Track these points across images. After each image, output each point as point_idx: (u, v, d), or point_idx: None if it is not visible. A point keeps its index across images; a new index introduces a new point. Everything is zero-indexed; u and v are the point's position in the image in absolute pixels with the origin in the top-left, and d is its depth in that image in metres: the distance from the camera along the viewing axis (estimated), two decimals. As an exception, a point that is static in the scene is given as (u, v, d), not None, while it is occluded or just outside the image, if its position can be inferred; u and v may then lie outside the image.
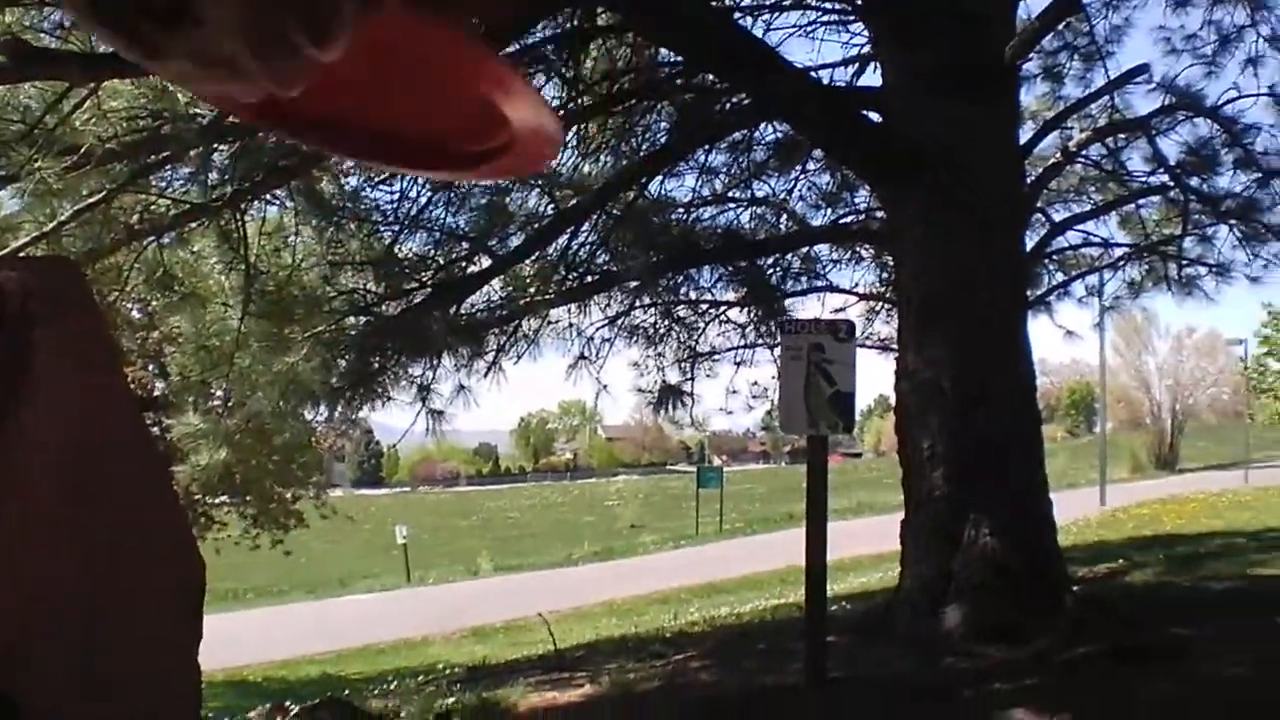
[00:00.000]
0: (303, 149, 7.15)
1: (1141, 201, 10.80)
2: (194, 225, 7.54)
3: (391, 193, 8.47)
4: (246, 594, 27.84)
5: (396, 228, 8.55)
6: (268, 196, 8.09)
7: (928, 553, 6.85)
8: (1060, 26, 9.99)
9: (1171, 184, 9.88)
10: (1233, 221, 10.24)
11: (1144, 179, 10.45)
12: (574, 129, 8.86)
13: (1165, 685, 5.13)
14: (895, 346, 7.83)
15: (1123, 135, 10.16)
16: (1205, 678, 5.24)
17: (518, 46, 7.60)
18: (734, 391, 11.86)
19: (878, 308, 11.89)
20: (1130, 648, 5.84)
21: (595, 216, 8.93)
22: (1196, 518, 18.32)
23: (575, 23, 7.94)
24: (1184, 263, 11.02)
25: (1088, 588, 9.05)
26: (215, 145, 7.10)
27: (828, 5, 9.86)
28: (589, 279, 9.54)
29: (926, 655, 6.23)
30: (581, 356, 10.25)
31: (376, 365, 8.47)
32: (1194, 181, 9.94)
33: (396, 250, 8.60)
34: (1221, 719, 4.57)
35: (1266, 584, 8.45)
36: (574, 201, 8.56)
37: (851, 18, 9.71)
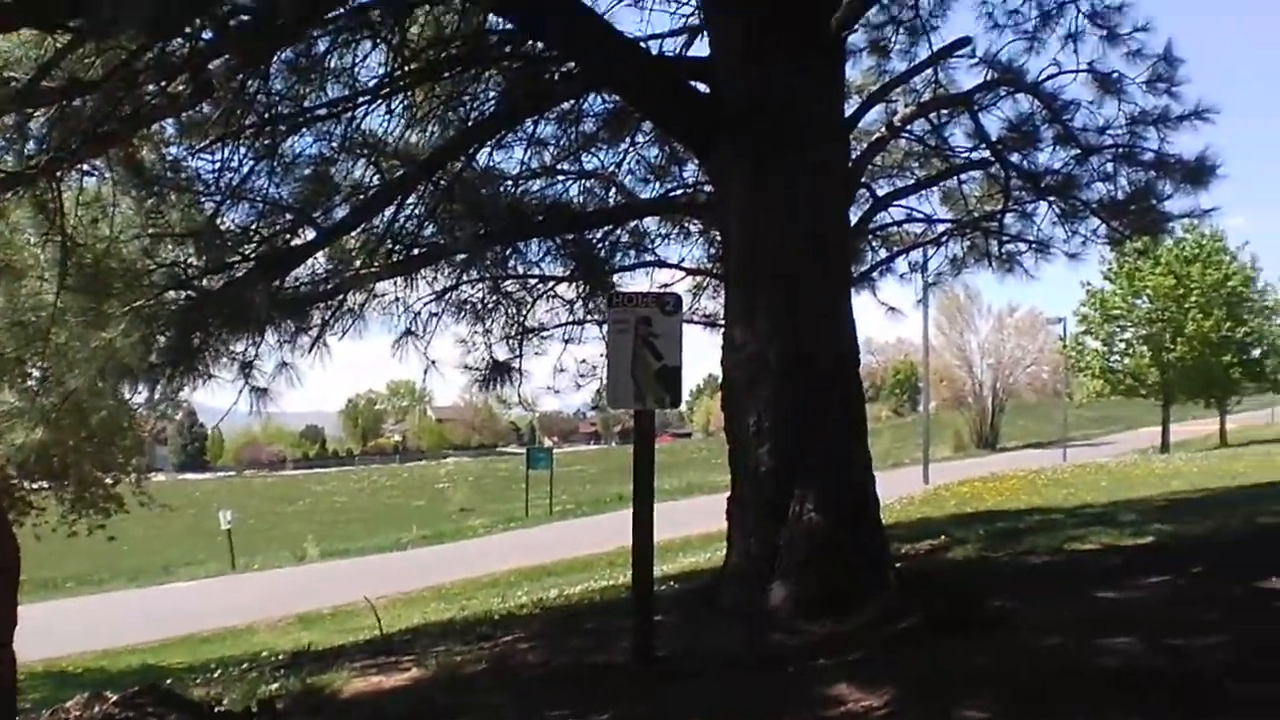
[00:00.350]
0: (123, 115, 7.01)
1: (964, 177, 11.30)
2: (8, 195, 7.30)
3: (214, 162, 8.34)
4: (66, 583, 27.54)
5: (218, 199, 8.40)
6: (85, 165, 7.86)
7: (754, 528, 7.10)
8: (885, 1, 10.43)
9: (993, 160, 10.35)
10: (1052, 198, 10.79)
11: (966, 154, 10.95)
12: (401, 97, 8.84)
13: (984, 656, 5.47)
14: (722, 322, 8.06)
15: (946, 110, 10.62)
16: (1021, 647, 5.61)
17: (342, 11, 7.55)
18: (562, 370, 12.00)
19: (705, 283, 12.18)
20: (951, 620, 6.21)
21: (422, 188, 8.93)
22: (1016, 495, 19.32)
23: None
24: (1005, 239, 11.55)
25: (911, 563, 9.54)
26: (30, 111, 6.89)
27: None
28: (416, 252, 9.53)
29: (753, 631, 6.48)
30: (408, 332, 10.26)
31: (198, 341, 8.32)
32: (1015, 157, 10.44)
33: (219, 222, 8.45)
34: (1036, 686, 4.90)
35: (1082, 557, 8.99)
36: (400, 172, 8.54)
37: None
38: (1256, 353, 47.41)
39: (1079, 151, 10.37)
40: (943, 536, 11.38)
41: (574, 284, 10.97)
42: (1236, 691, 4.46)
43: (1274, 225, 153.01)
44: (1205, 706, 4.35)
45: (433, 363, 10.47)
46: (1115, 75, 10.27)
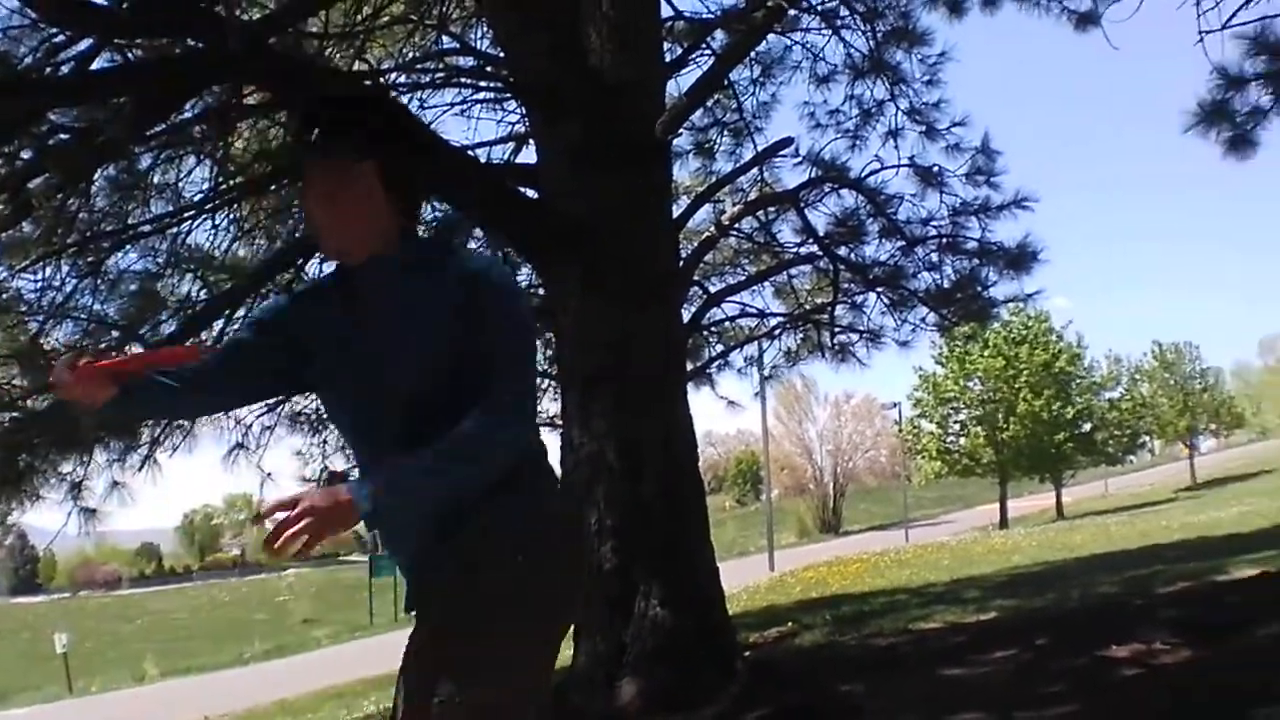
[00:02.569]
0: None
1: (794, 271, 11.75)
2: None
3: (36, 281, 8.27)
4: (-113, 723, 25.82)
5: (41, 318, 8.31)
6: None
7: (601, 626, 7.24)
8: (709, 103, 10.88)
9: (821, 254, 10.75)
10: (881, 289, 11.25)
11: (795, 249, 11.39)
12: (227, 211, 8.90)
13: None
14: (560, 422, 8.25)
15: (773, 208, 11.07)
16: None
17: (164, 127, 7.63)
18: None
19: (544, 385, 12.36)
20: (801, 709, 6.43)
21: (251, 300, 8.97)
22: (861, 577, 19.77)
23: (224, 100, 8.02)
24: (837, 330, 11.95)
25: (758, 652, 9.72)
26: None
27: (482, 84, 10.31)
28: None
29: (602, 730, 6.60)
30: (239, 445, 10.19)
31: (24, 463, 8.17)
32: (843, 251, 10.87)
33: (43, 342, 8.34)
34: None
35: (927, 637, 9.27)
36: (229, 285, 8.58)
37: (506, 95, 10.18)
38: (1087, 427, 49.61)
39: (905, 243, 10.82)
40: (790, 623, 11.57)
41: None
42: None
43: (1096, 305, 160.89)
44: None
45: (268, 475, 10.43)
46: (936, 168, 10.80)
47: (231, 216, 9.11)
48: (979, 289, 11.09)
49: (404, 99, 9.47)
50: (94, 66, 7.18)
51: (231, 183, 8.64)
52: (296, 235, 9.53)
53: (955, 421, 49.86)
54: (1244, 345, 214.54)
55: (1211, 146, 9.91)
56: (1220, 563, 10.88)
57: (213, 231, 9.01)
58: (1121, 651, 6.76)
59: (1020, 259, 10.75)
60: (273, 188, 9.22)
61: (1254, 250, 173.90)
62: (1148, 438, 66.74)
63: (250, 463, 10.25)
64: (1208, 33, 9.35)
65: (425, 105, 10.05)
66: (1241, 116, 9.77)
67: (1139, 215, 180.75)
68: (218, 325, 8.91)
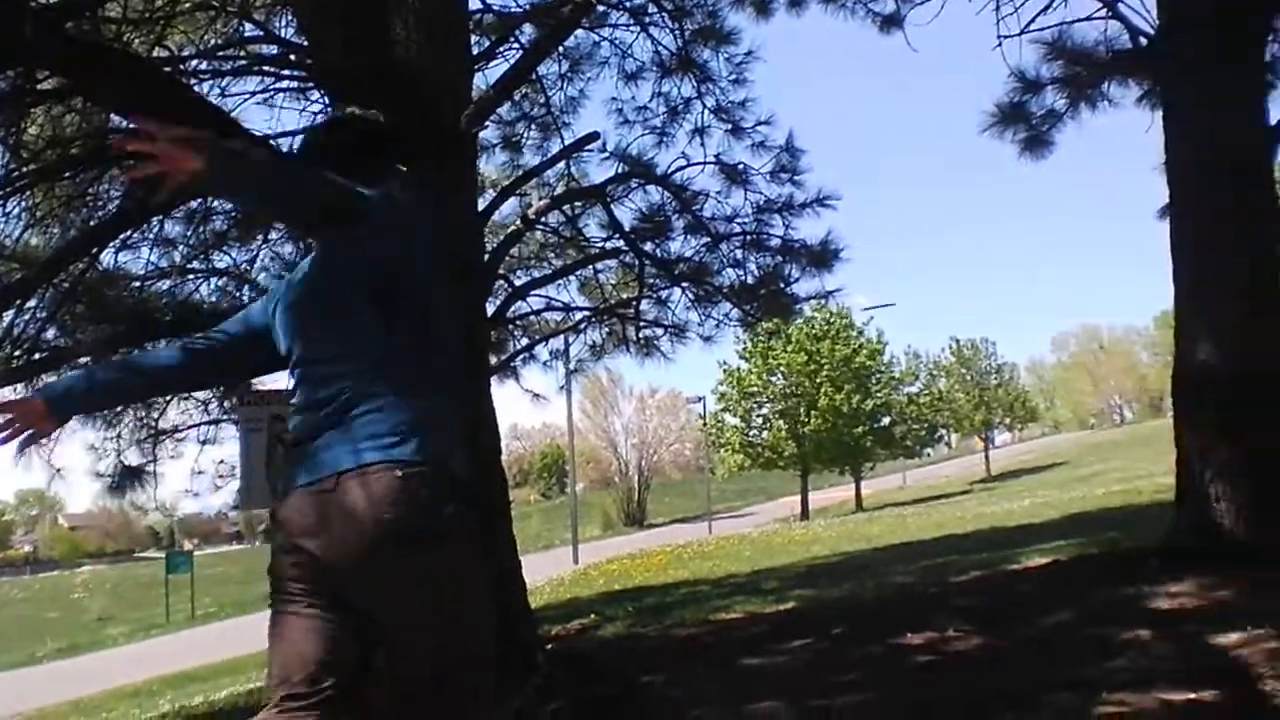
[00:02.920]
0: None
1: (599, 266, 11.88)
2: None
3: None
4: None
5: None
6: None
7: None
8: (517, 97, 10.90)
9: (627, 249, 10.91)
10: (686, 284, 11.45)
11: (601, 244, 11.52)
12: (19, 198, 8.54)
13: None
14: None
15: (580, 202, 11.17)
16: None
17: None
18: (200, 472, 11.78)
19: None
20: (602, 699, 6.53)
21: (44, 290, 8.62)
22: (664, 569, 19.99)
23: (17, 84, 7.69)
24: (642, 325, 12.14)
25: (560, 644, 9.78)
26: None
27: (285, 72, 10.11)
28: (37, 356, 9.14)
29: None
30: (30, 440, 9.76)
31: None
32: (648, 246, 11.04)
33: None
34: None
35: (728, 627, 9.44)
36: (20, 275, 8.23)
37: (310, 84, 9.99)
38: (886, 421, 51.20)
39: (710, 239, 11.04)
40: (593, 615, 11.68)
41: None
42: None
43: (896, 301, 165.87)
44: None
45: (58, 471, 10.05)
46: (741, 166, 11.06)
47: (24, 204, 8.74)
48: (782, 285, 11.34)
49: (205, 87, 9.24)
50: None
51: (25, 169, 8.28)
52: (91, 223, 9.20)
53: (758, 415, 50.81)
54: (1037, 343, 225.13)
55: (1008, 147, 10.46)
56: (1012, 553, 11.35)
57: (4, 219, 8.64)
58: (916, 640, 7.00)
59: (822, 256, 11.06)
60: (67, 175, 8.88)
61: (1047, 252, 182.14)
62: (945, 431, 69.51)
63: (42, 458, 9.86)
64: (1006, 37, 9.88)
65: (226, 93, 9.80)
66: (1037, 118, 10.31)
67: (940, 217, 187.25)
68: (8, 315, 8.55)
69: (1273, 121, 8.38)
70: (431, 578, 2.77)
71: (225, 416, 11.08)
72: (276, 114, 10.34)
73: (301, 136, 3.36)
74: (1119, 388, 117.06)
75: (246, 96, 10.22)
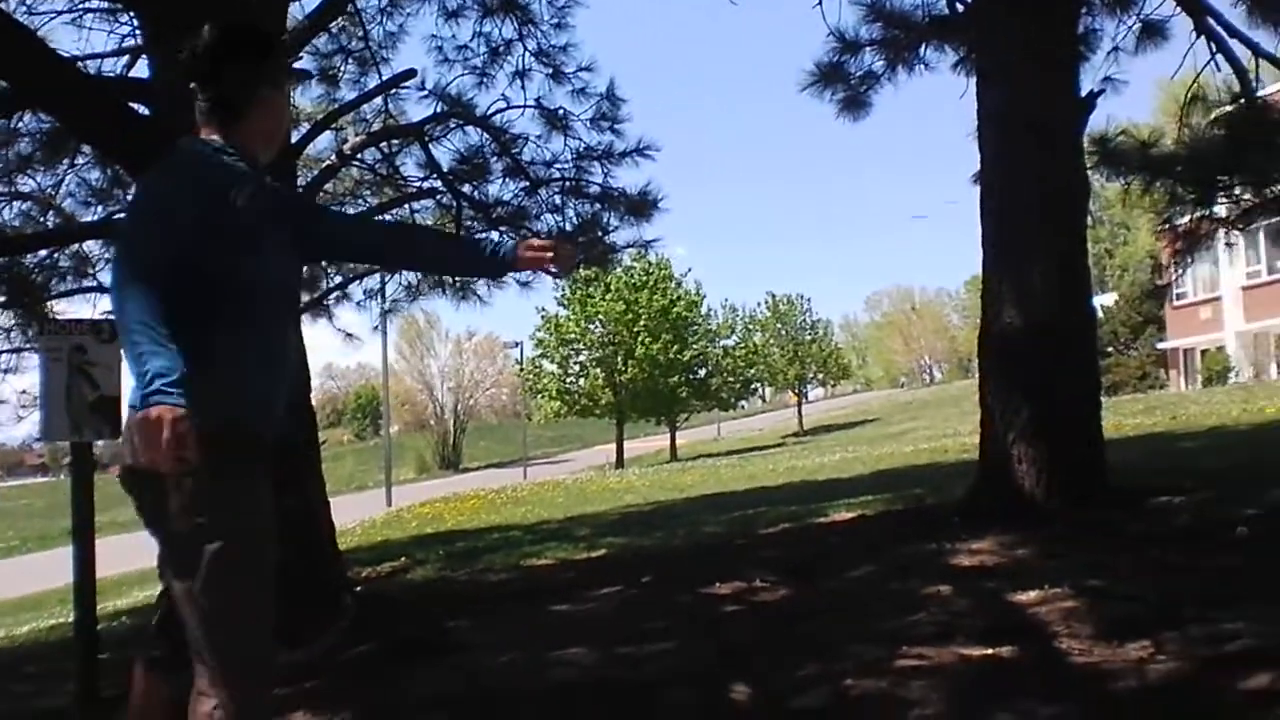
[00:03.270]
0: None
1: (416, 206, 11.65)
2: None
3: None
4: None
5: None
6: None
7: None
8: (335, 29, 10.59)
9: (444, 189, 10.76)
10: (503, 228, 11.37)
11: (419, 184, 11.32)
12: None
13: (440, 676, 5.75)
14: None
15: (397, 140, 10.94)
16: (479, 666, 5.94)
17: None
18: (2, 401, 11.58)
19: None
20: (410, 643, 6.49)
21: None
22: (477, 514, 20.07)
23: None
24: (459, 267, 12.04)
25: (370, 586, 9.73)
26: None
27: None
28: None
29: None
30: None
31: None
32: (466, 188, 10.91)
33: None
34: (490, 703, 5.22)
35: (538, 573, 9.50)
36: None
37: (120, 6, 9.53)
38: (702, 372, 51.95)
39: (529, 184, 10.96)
40: (403, 558, 11.68)
41: (6, 310, 10.36)
42: (681, 696, 4.96)
43: (713, 254, 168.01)
44: (645, 713, 4.79)
45: None
46: (562, 111, 10.99)
47: None
48: (601, 234, 11.36)
49: (11, 4, 8.70)
50: None
51: None
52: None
53: (576, 363, 51.03)
54: (852, 301, 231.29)
55: (827, 106, 10.62)
56: (820, 506, 11.62)
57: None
58: (723, 589, 7.11)
59: (641, 206, 11.10)
60: None
61: (864, 213, 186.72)
62: (759, 385, 70.78)
63: None
64: (827, -4, 10.02)
65: (33, 11, 9.27)
66: (855, 79, 10.49)
67: (759, 173, 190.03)
68: None
69: (1083, 92, 8.69)
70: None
71: (27, 345, 10.65)
72: (86, 35, 9.82)
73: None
74: (930, 348, 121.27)
75: (53, 16, 9.70)
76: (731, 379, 55.43)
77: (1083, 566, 6.17)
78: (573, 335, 49.60)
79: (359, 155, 10.64)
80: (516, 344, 55.17)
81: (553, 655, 5.81)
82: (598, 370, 49.77)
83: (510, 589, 8.73)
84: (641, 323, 48.09)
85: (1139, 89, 11.34)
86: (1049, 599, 5.58)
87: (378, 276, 12.76)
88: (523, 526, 15.28)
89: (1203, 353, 41.86)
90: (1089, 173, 9.24)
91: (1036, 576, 5.99)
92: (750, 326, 63.32)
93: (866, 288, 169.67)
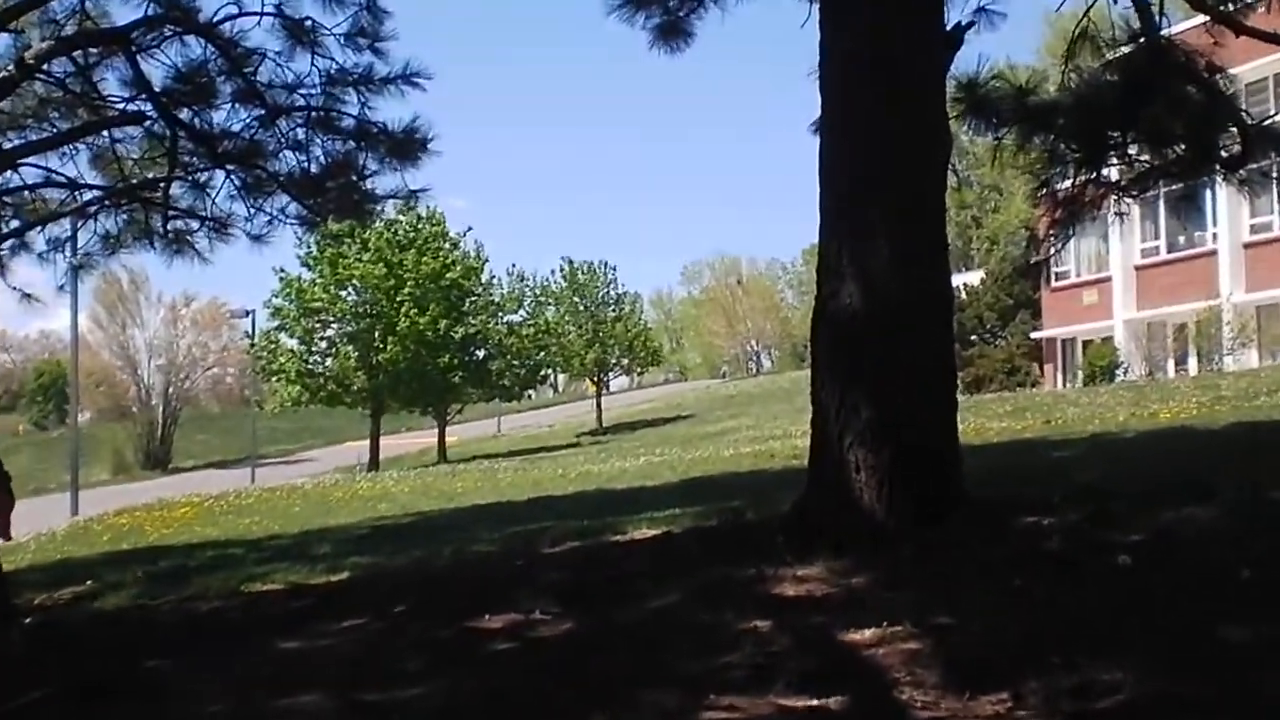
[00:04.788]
0: None
1: (119, 133, 11.31)
2: None
3: None
4: None
5: None
6: None
7: None
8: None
9: (156, 115, 10.47)
10: (231, 167, 11.14)
11: (122, 105, 10.96)
12: None
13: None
14: None
15: (96, 49, 10.56)
16: (180, 716, 5.81)
17: None
18: None
19: None
20: (93, 687, 6.28)
21: None
22: (190, 526, 19.73)
23: None
24: (172, 213, 11.69)
25: (44, 617, 9.44)
26: None
27: None
28: None
29: None
30: None
31: None
32: (185, 114, 10.65)
33: None
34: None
35: (264, 600, 9.36)
36: None
37: None
38: (481, 354, 51.81)
39: (265, 111, 10.77)
40: (90, 582, 11.42)
41: None
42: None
43: (500, 212, 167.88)
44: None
45: None
46: (309, 23, 10.77)
47: None
48: (356, 178, 11.23)
49: None
50: None
51: None
52: None
53: (323, 338, 50.39)
54: (666, 273, 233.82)
55: (640, 34, 10.62)
56: (618, 520, 11.68)
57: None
58: (495, 622, 7.10)
59: (407, 146, 11.00)
60: None
61: (683, 171, 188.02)
62: (551, 371, 70.96)
63: None
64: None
65: None
66: (675, 1, 10.52)
67: (558, 116, 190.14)
68: None
69: (949, 24, 8.79)
70: None
71: None
72: None
73: None
74: (759, 331, 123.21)
75: None
76: (517, 363, 55.43)
77: (930, 599, 6.29)
78: (320, 303, 48.87)
79: (45, 66, 10.23)
80: (247, 313, 54.29)
81: (278, 704, 5.74)
82: (350, 348, 49.25)
83: (227, 620, 8.63)
84: (406, 290, 47.70)
85: (1021, 23, 11.56)
86: (889, 638, 5.68)
87: (65, 222, 12.32)
88: (247, 542, 15.10)
89: (1085, 344, 42.95)
90: (952, 123, 9.39)
91: (874, 610, 6.09)
92: (542, 299, 63.37)
93: (684, 256, 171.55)
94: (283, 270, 48.60)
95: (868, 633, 5.78)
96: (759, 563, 7.63)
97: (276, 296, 49.26)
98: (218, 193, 11.54)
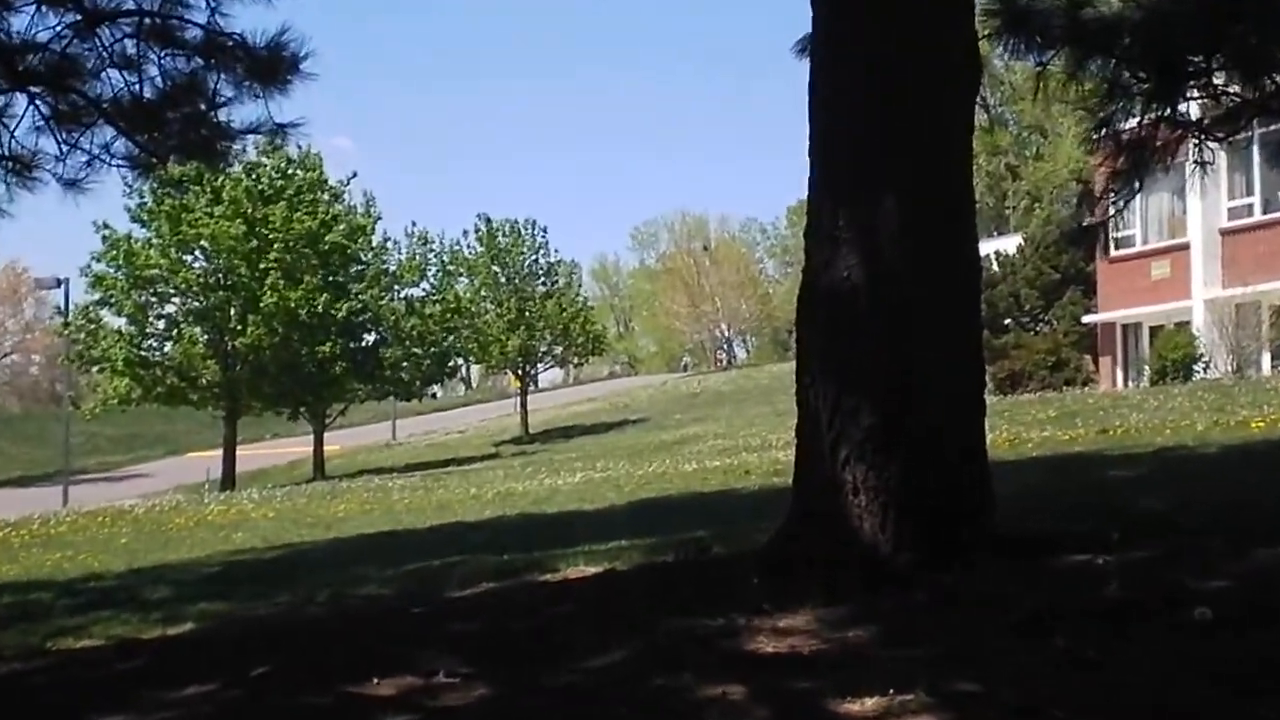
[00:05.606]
0: None
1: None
2: None
3: None
4: None
5: None
6: None
7: None
8: None
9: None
10: (36, 89, 11.05)
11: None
12: None
13: None
14: None
15: None
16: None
17: None
18: None
19: None
20: None
21: None
22: (-23, 562, 19.61)
23: None
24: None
25: None
26: None
27: None
28: None
29: None
30: None
31: None
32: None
33: None
34: None
35: (76, 662, 9.29)
36: None
37: None
38: (370, 339, 51.66)
39: (81, 17, 10.72)
40: None
41: None
42: None
43: (398, 159, 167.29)
44: None
45: None
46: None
47: None
48: (204, 107, 11.20)
49: None
50: None
51: None
52: None
53: (160, 316, 50.08)
54: (611, 235, 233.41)
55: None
56: (548, 555, 11.79)
57: None
58: (385, 688, 7.03)
59: (272, 66, 10.99)
60: None
61: (634, 110, 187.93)
62: (463, 361, 70.80)
63: None
64: None
65: None
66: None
67: (479, 41, 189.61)
68: None
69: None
70: None
71: None
72: None
73: None
74: (730, 312, 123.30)
75: None
76: (418, 351, 55.28)
77: (950, 660, 6.28)
78: (157, 271, 48.52)
79: None
80: (59, 282, 53.78)
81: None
82: (197, 330, 49.01)
83: (28, 686, 8.53)
84: (273, 255, 47.46)
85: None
86: (896, 709, 5.63)
87: None
88: (57, 584, 15.01)
89: (1153, 331, 42.61)
90: (983, 44, 9.40)
91: (878, 673, 6.06)
92: (451, 269, 63.14)
93: (634, 216, 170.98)
94: (107, 227, 48.27)
95: (869, 702, 5.72)
96: (728, 610, 7.64)
97: (98, 261, 48.87)
98: (18, 123, 11.44)
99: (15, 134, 11.43)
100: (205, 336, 48.55)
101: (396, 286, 55.02)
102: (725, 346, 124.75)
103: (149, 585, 13.61)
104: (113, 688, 8.00)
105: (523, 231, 64.80)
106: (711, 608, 7.78)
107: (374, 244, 52.85)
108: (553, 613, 8.89)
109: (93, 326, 50.35)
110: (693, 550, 10.61)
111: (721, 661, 6.71)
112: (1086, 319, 45.30)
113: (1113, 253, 39.36)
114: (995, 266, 45.78)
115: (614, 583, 9.79)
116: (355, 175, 50.01)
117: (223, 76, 11.07)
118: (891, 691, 5.77)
